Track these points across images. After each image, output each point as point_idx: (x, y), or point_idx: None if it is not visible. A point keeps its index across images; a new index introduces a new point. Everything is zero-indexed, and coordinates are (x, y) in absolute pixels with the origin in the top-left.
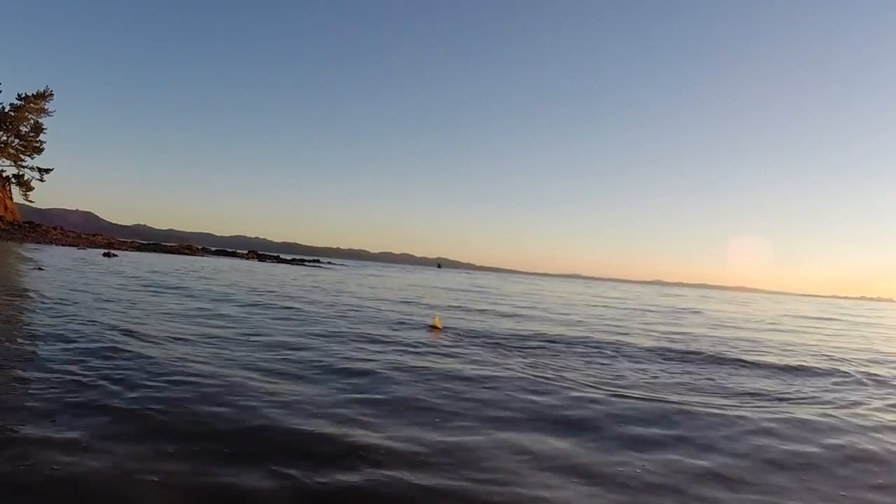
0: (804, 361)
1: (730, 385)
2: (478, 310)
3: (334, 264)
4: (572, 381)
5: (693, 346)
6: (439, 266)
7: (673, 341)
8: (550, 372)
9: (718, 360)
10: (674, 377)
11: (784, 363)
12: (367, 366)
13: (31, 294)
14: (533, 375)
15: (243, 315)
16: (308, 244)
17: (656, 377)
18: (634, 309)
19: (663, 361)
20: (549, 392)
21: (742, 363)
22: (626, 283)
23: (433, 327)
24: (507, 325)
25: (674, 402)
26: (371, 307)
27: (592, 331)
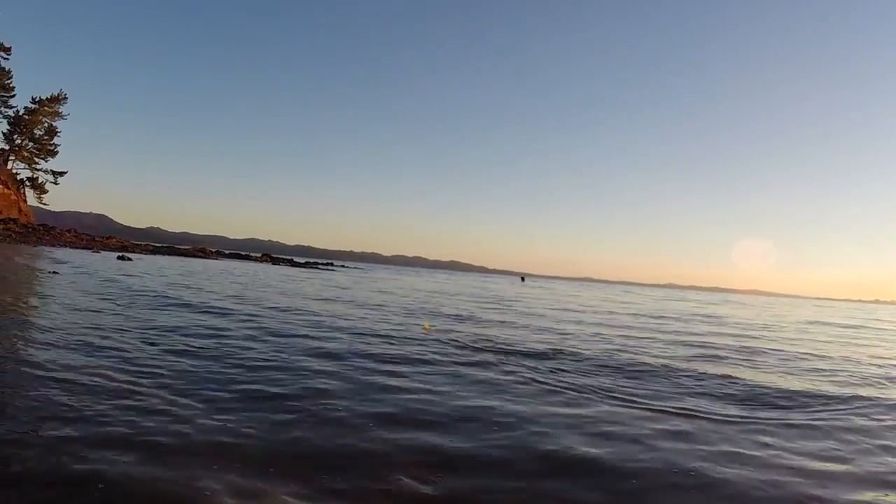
0: None
1: None
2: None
3: (347, 267)
4: None
5: None
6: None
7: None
8: None
9: None
10: None
11: None
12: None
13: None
14: None
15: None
16: (321, 247)
17: None
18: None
19: None
20: None
21: None
22: (639, 286)
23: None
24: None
25: None
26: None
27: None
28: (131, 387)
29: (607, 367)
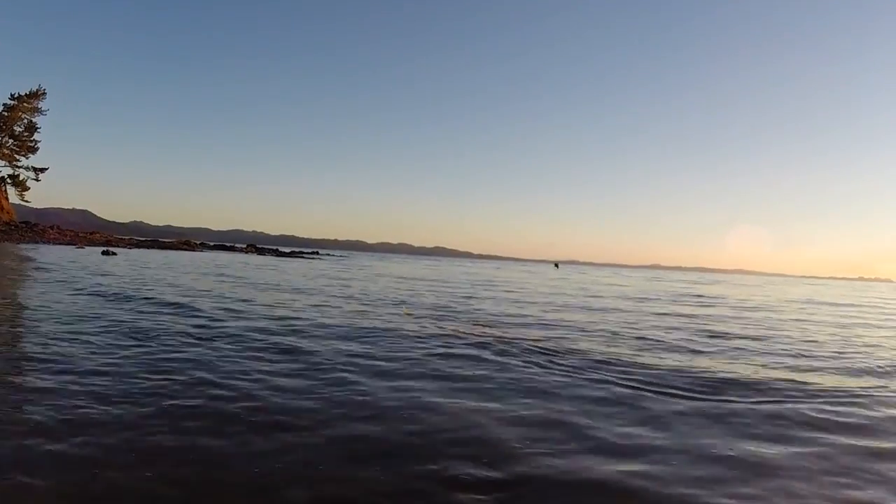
0: None
1: None
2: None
3: (333, 255)
4: None
5: None
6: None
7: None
8: None
9: None
10: None
11: None
12: None
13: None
14: None
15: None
16: (305, 236)
17: None
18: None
19: None
20: None
21: None
22: (625, 268)
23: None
24: None
25: None
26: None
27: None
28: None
29: None
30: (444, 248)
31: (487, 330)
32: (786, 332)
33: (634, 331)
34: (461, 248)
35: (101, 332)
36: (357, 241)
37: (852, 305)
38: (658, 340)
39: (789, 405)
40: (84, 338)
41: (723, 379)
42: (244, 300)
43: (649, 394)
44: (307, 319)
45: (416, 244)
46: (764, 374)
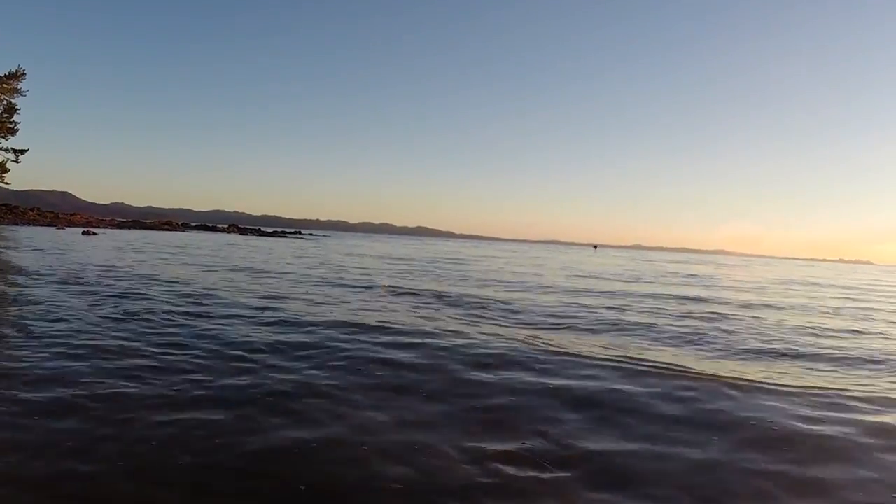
0: None
1: None
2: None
3: (315, 235)
4: None
5: None
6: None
7: None
8: None
9: None
10: None
11: None
12: None
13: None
14: None
15: None
16: (287, 216)
17: None
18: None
19: None
20: None
21: None
22: (608, 248)
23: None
24: None
25: None
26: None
27: None
28: None
29: None
30: (425, 228)
31: None
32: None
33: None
34: (442, 229)
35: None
36: (339, 221)
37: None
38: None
39: None
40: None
41: None
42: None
43: None
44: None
45: (398, 224)
46: None
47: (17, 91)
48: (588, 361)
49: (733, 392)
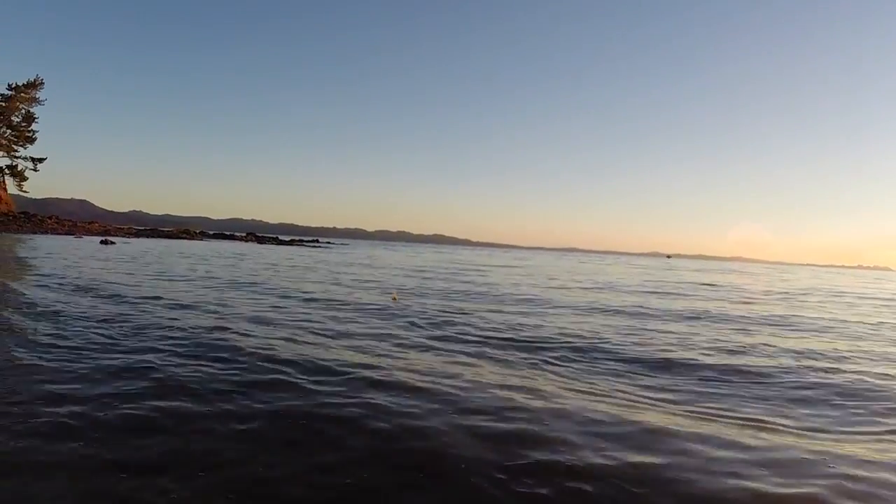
0: None
1: None
2: None
3: (333, 244)
4: None
5: None
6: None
7: None
8: None
9: None
10: None
11: None
12: None
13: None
14: None
15: None
16: (304, 224)
17: None
18: None
19: None
20: None
21: None
22: (626, 255)
23: (393, 299)
24: None
25: None
26: None
27: None
28: None
29: None
30: (442, 236)
31: None
32: None
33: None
34: (460, 236)
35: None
36: (356, 229)
37: None
38: None
39: None
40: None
41: None
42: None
43: None
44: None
45: (415, 232)
46: None
47: (36, 100)
48: None
49: None
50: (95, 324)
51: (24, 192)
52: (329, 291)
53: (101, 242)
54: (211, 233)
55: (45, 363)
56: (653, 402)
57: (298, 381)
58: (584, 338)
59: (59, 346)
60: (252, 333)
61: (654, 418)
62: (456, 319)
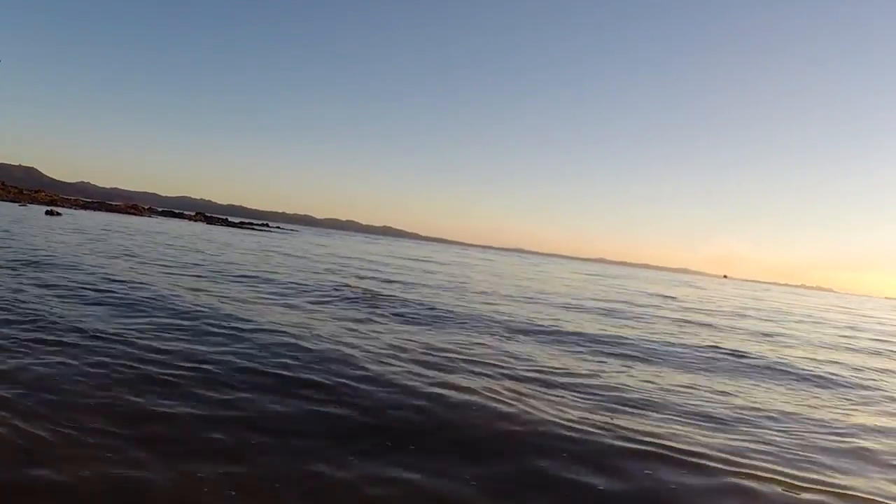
0: None
1: None
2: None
3: (282, 229)
4: None
5: None
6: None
7: None
8: None
9: None
10: None
11: None
12: None
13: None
14: None
15: None
16: (253, 207)
17: None
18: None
19: None
20: None
21: None
22: (572, 261)
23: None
24: None
25: None
26: None
27: None
28: None
29: None
30: (392, 228)
31: None
32: None
33: None
34: (409, 230)
35: None
36: (305, 215)
37: None
38: None
39: None
40: None
41: None
42: None
43: None
44: None
45: (365, 223)
46: None
47: None
48: None
49: None
50: None
51: None
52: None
53: (47, 213)
54: (160, 210)
55: None
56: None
57: None
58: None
59: None
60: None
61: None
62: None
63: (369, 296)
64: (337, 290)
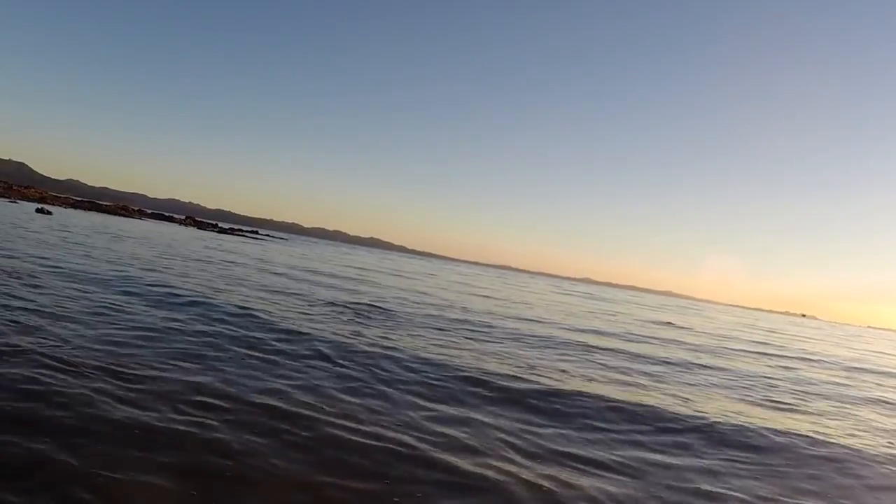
0: None
1: None
2: None
3: (272, 237)
4: None
5: None
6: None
7: None
8: None
9: None
10: None
11: None
12: None
13: None
14: None
15: None
16: (241, 213)
17: None
18: None
19: None
20: None
21: None
22: (558, 279)
23: None
24: None
25: None
26: None
27: None
28: None
29: None
30: (379, 240)
31: None
32: None
33: None
34: (395, 242)
35: None
36: (293, 223)
37: None
38: None
39: None
40: None
41: None
42: None
43: None
44: None
45: (352, 233)
46: None
47: None
48: None
49: None
50: None
51: None
52: None
53: (37, 211)
54: (149, 212)
55: None
56: None
57: None
58: None
59: None
60: None
61: None
62: None
63: None
64: None
